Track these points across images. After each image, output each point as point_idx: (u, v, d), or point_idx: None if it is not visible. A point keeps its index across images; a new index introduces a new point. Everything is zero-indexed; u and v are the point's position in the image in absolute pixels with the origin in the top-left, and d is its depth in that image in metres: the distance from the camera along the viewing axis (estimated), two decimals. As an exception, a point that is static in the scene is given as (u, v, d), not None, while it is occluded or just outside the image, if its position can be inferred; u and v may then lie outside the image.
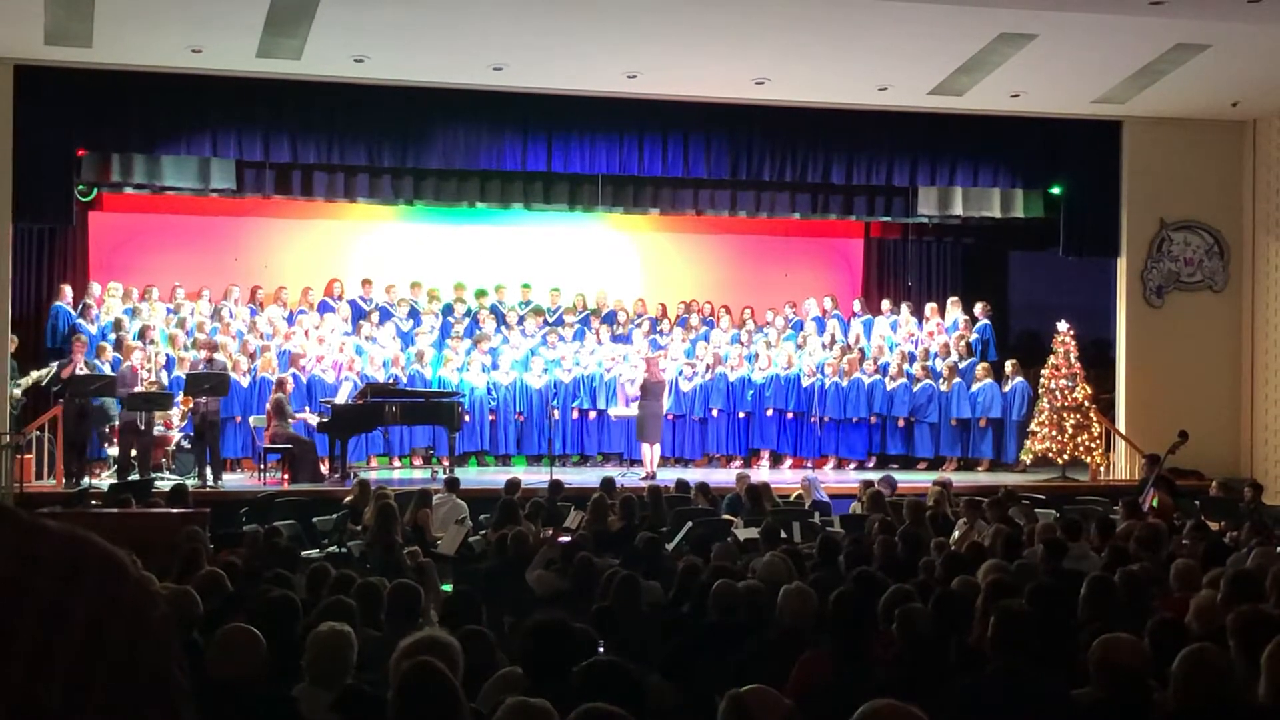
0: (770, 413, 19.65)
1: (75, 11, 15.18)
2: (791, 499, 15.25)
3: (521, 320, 20.35)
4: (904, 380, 19.70)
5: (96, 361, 16.95)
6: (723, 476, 17.23)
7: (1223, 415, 19.44)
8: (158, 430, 17.02)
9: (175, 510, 12.51)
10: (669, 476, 16.72)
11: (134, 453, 16.32)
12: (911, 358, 20.06)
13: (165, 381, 17.17)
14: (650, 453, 18.28)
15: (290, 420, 17.25)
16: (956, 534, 11.99)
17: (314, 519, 13.64)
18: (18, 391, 16.75)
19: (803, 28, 16.00)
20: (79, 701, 1.24)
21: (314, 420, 17.57)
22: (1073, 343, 19.08)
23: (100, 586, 1.28)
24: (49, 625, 1.23)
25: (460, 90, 17.98)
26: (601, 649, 6.12)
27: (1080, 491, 17.34)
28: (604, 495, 13.07)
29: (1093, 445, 18.75)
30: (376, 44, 16.35)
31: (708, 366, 19.78)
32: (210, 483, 16.29)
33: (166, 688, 1.30)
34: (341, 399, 17.77)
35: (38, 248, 18.66)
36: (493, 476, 17.29)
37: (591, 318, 20.69)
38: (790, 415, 19.67)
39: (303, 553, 10.55)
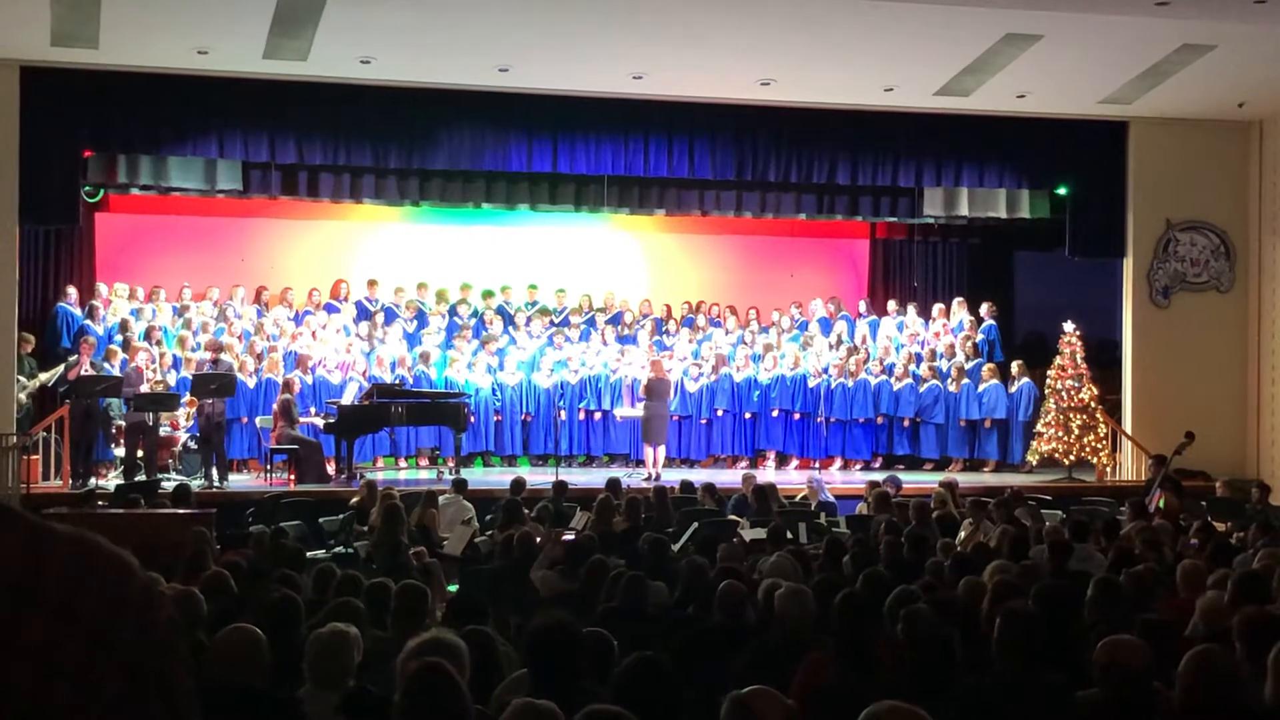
0: (776, 413, 19.65)
1: (81, 13, 15.20)
2: (797, 500, 15.24)
3: (528, 321, 20.37)
4: (910, 381, 19.70)
5: (105, 363, 16.97)
6: (729, 477, 17.23)
7: (1229, 416, 19.42)
8: (164, 431, 17.05)
9: (181, 511, 12.53)
10: (674, 477, 16.72)
11: (140, 453, 16.35)
12: (918, 358, 20.06)
13: (171, 382, 17.20)
14: (655, 454, 18.26)
15: (297, 421, 17.26)
16: (962, 535, 11.99)
17: (320, 520, 13.66)
18: (23, 396, 16.77)
19: (808, 29, 16.00)
20: (85, 702, 1.24)
21: (320, 421, 17.59)
22: (1079, 343, 19.06)
23: (107, 588, 1.29)
24: (56, 626, 1.24)
25: (466, 91, 17.99)
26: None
27: (1086, 492, 17.34)
28: (609, 496, 13.08)
29: (1099, 446, 18.72)
30: (382, 45, 16.37)
31: (713, 367, 19.78)
32: (216, 483, 16.32)
33: (172, 689, 1.30)
34: (348, 400, 17.79)
35: (44, 249, 18.67)
36: (498, 477, 17.30)
37: (597, 318, 20.70)
38: (796, 416, 19.67)
39: (309, 553, 10.56)
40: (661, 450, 18.42)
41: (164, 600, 1.35)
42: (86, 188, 18.04)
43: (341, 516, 13.53)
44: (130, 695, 1.27)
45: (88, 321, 17.99)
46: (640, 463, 18.73)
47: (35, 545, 1.28)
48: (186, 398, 17.14)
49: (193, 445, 17.44)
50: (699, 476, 16.55)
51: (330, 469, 17.27)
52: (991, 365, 19.84)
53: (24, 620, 1.23)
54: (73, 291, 18.32)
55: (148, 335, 17.97)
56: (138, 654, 1.28)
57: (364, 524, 12.80)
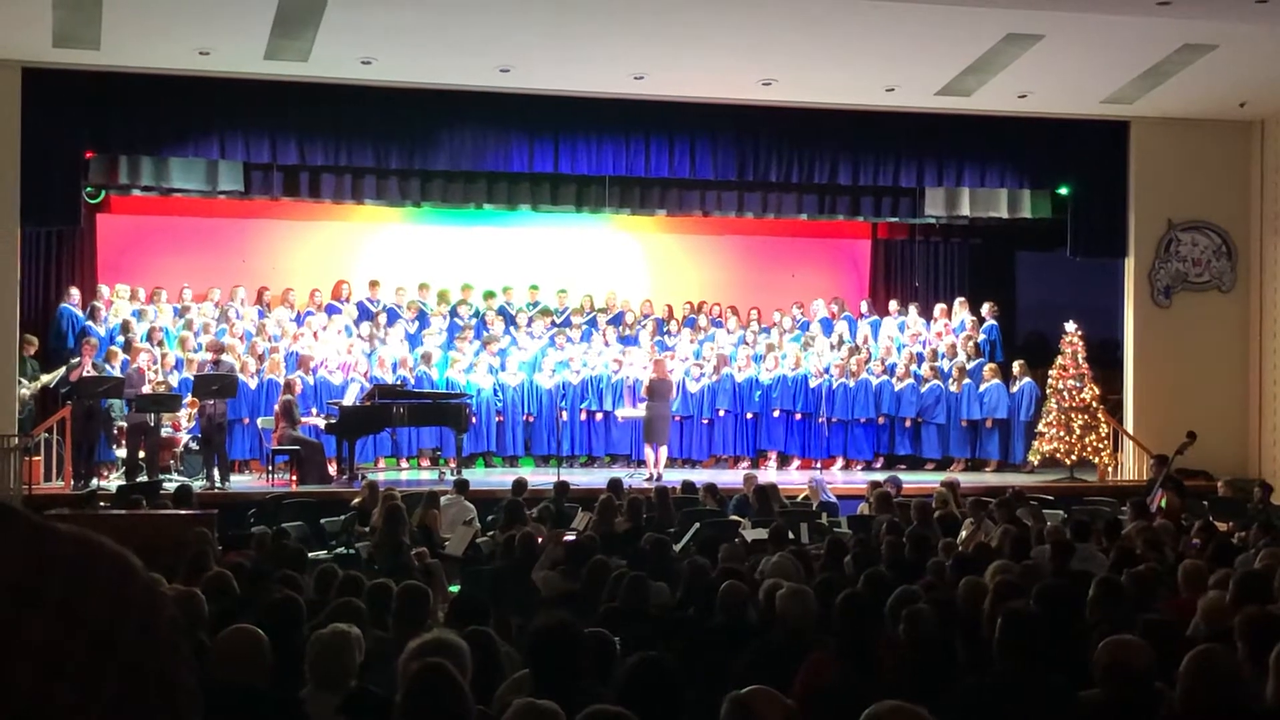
0: (777, 413, 19.65)
1: (83, 14, 15.20)
2: (799, 500, 15.25)
3: (530, 322, 20.38)
4: (911, 381, 19.69)
5: (106, 364, 16.99)
6: (730, 477, 17.23)
7: (1231, 415, 19.41)
8: (165, 432, 17.05)
9: (183, 512, 12.52)
10: (676, 478, 16.72)
11: (142, 454, 16.35)
12: (919, 358, 20.05)
13: (173, 383, 17.20)
14: (657, 455, 18.26)
15: (298, 422, 17.26)
16: (964, 535, 11.99)
17: (322, 520, 13.66)
18: (25, 394, 16.78)
19: (809, 29, 16.00)
20: (86, 703, 1.24)
21: (321, 422, 17.59)
22: (1080, 343, 19.06)
23: (110, 588, 1.29)
24: (58, 626, 1.24)
25: (467, 92, 18.00)
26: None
27: (1088, 492, 17.33)
28: (611, 496, 13.07)
29: (1100, 446, 18.72)
30: (383, 46, 16.37)
31: (714, 367, 19.78)
32: (218, 484, 16.32)
33: (174, 690, 1.30)
34: (349, 400, 17.79)
35: (46, 250, 18.68)
36: (500, 478, 17.31)
37: (599, 318, 20.71)
38: (798, 416, 19.67)
39: (310, 554, 10.55)
40: (664, 450, 18.42)
41: (166, 601, 1.35)
42: (88, 189, 18.05)
43: (343, 517, 13.53)
44: (131, 696, 1.27)
45: (89, 323, 18.01)
46: (642, 463, 18.73)
47: (38, 544, 1.28)
48: (188, 399, 17.14)
49: (194, 446, 17.43)
50: (700, 477, 16.54)
51: (332, 470, 17.27)
52: (993, 365, 19.84)
53: (25, 620, 1.23)
54: (74, 293, 18.34)
55: (149, 336, 17.98)
56: (139, 654, 1.28)
57: (366, 525, 12.80)
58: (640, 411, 18.64)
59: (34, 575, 1.26)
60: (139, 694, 1.27)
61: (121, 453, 16.96)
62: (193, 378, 17.15)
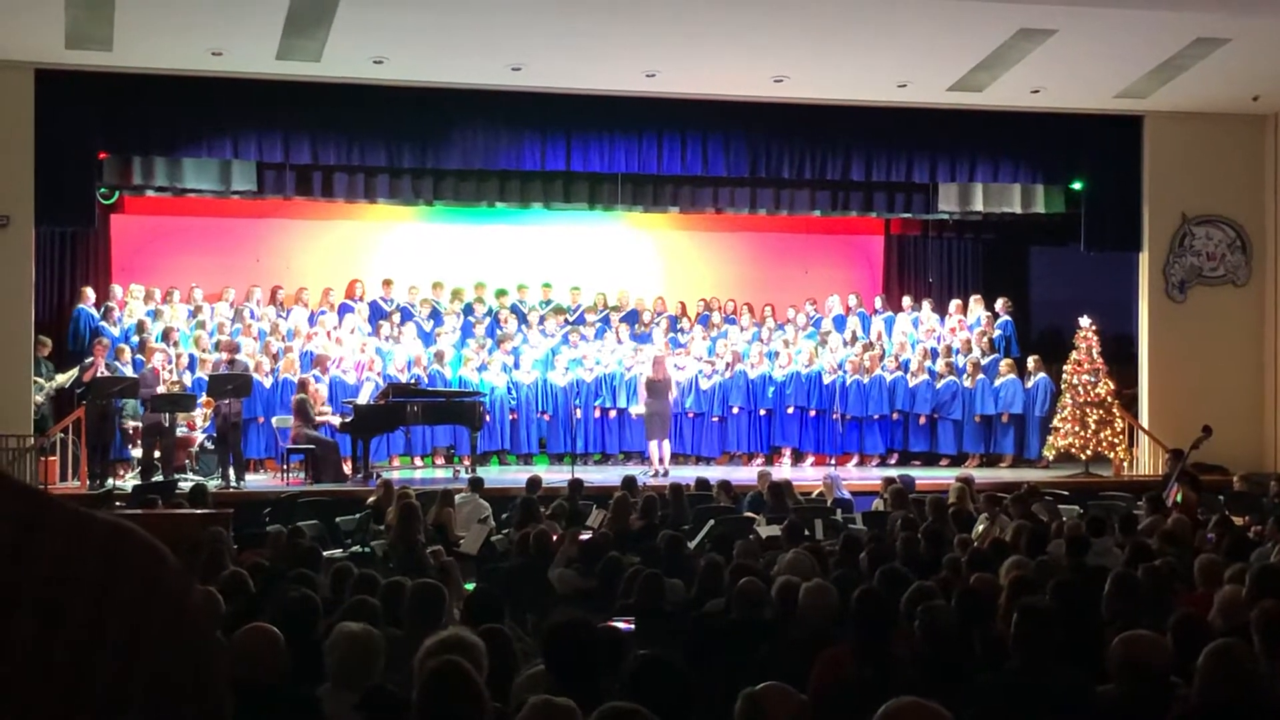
0: (791, 410, 19.62)
1: (95, 15, 15.25)
2: (813, 496, 15.23)
3: (543, 320, 20.38)
4: (926, 377, 19.66)
5: (117, 363, 17.03)
6: (744, 474, 17.20)
7: (1246, 410, 19.35)
8: (180, 431, 17.09)
9: (198, 511, 12.54)
10: (689, 474, 16.68)
11: (157, 454, 16.39)
12: (934, 354, 20.02)
13: (188, 383, 17.24)
14: (662, 450, 18.25)
15: (314, 421, 17.29)
16: (979, 530, 11.97)
17: (337, 519, 13.67)
18: (40, 397, 16.84)
19: (821, 25, 15.99)
20: (125, 680, 1.28)
21: (336, 420, 17.62)
22: (1095, 338, 19.03)
23: (142, 571, 1.33)
24: (96, 606, 1.28)
25: (479, 90, 18.01)
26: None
27: (1104, 487, 17.29)
28: (626, 494, 13.08)
29: (1116, 441, 18.68)
30: (395, 45, 16.40)
31: (728, 364, 19.78)
32: (233, 483, 16.35)
33: (205, 674, 1.34)
34: (363, 399, 17.83)
35: (60, 251, 18.75)
36: (514, 475, 17.31)
37: (612, 316, 20.71)
38: (812, 413, 19.65)
39: (325, 553, 10.56)
40: (666, 445, 18.39)
41: (195, 585, 1.39)
42: (102, 189, 18.10)
43: (358, 516, 13.55)
44: (165, 678, 1.30)
45: (103, 323, 18.06)
46: (650, 460, 18.65)
47: (75, 531, 1.32)
48: (203, 398, 17.18)
49: (209, 445, 17.47)
50: (714, 474, 16.54)
51: (347, 468, 17.30)
52: (1008, 360, 19.81)
53: (65, 601, 1.26)
54: (90, 293, 18.40)
55: (165, 336, 18.03)
56: (173, 633, 1.32)
57: (380, 523, 12.82)
58: (644, 409, 18.65)
59: (72, 560, 1.29)
60: (172, 676, 1.30)
61: (137, 452, 17.00)
62: (207, 377, 17.19)
